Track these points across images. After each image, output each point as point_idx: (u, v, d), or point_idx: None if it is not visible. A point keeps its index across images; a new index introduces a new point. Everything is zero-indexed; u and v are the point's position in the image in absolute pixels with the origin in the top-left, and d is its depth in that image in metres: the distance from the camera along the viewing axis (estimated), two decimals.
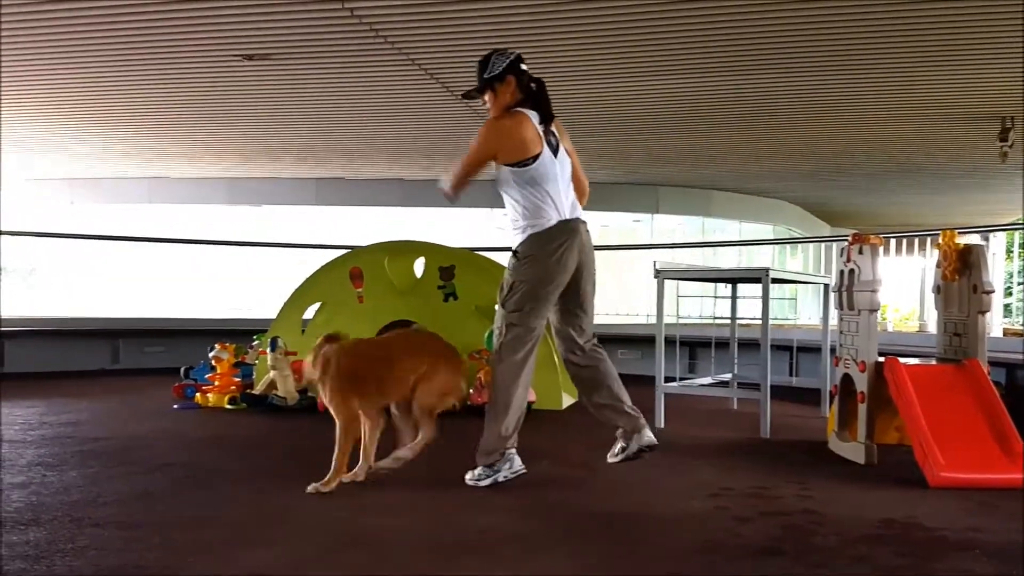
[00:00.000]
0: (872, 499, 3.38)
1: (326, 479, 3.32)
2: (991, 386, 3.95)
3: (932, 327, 8.50)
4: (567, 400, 5.77)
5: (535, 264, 3.57)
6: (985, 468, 3.61)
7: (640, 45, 6.93)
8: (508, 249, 3.78)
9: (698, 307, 7.53)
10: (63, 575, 2.31)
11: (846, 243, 4.38)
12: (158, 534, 2.72)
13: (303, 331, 5.93)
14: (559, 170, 3.63)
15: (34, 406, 5.62)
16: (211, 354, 5.86)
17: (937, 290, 4.45)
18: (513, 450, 3.54)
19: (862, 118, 9.41)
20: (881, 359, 4.11)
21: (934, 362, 4.42)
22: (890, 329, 10.33)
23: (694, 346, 7.56)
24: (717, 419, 5.53)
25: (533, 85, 3.63)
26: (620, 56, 7.25)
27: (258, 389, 5.76)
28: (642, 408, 5.54)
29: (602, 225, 16.27)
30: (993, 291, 4.18)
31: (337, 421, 3.43)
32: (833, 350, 4.65)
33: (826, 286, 5.64)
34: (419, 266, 6.14)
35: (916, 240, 8.88)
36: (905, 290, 12.26)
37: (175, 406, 5.75)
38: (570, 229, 3.60)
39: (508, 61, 3.59)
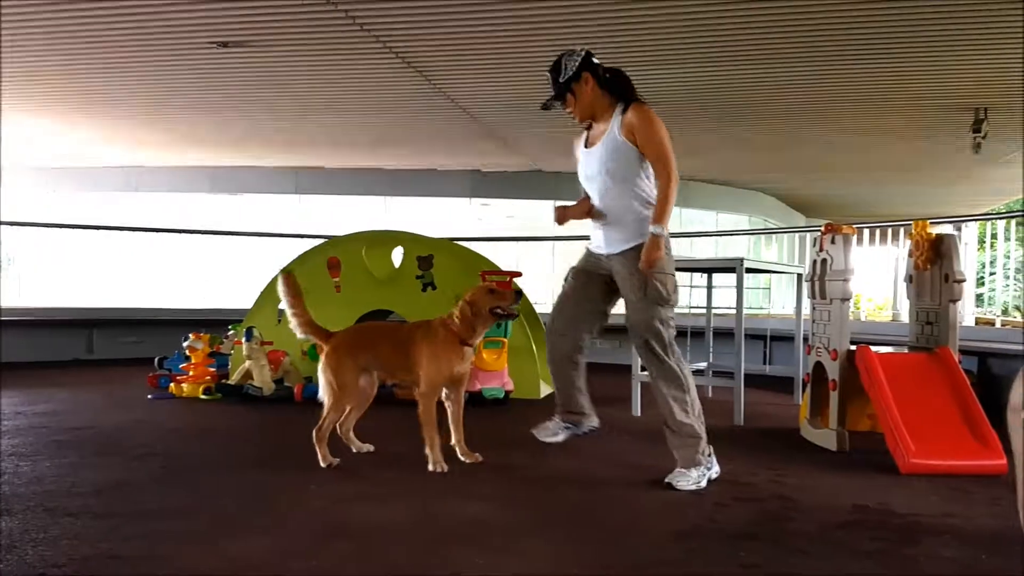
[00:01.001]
0: (845, 485, 3.42)
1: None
2: (962, 374, 4.01)
3: (905, 316, 8.60)
4: (544, 389, 5.80)
5: (669, 256, 3.44)
6: (956, 455, 3.67)
7: (614, 36, 6.93)
8: (488, 239, 3.77)
9: None
10: (35, 564, 2.29)
11: (820, 233, 4.42)
12: (134, 524, 2.70)
13: (279, 321, 5.90)
14: None
15: (8, 396, 5.56)
16: (185, 344, 5.82)
17: (909, 279, 4.50)
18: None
19: (837, 110, 9.48)
20: (853, 347, 4.16)
21: (906, 350, 4.48)
22: (863, 318, 10.43)
23: None
24: None
25: (608, 76, 3.48)
26: (595, 47, 7.24)
27: (234, 379, 5.74)
28: (618, 396, 5.59)
29: None
30: (964, 280, 4.24)
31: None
32: (806, 339, 4.70)
33: (800, 276, 5.70)
34: (397, 256, 6.13)
35: (889, 230, 8.97)
36: (878, 279, 12.38)
37: (149, 396, 5.71)
38: None
39: (580, 59, 3.45)
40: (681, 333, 3.74)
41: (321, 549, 2.51)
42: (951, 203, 17.02)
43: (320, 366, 3.70)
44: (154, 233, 11.30)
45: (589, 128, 3.58)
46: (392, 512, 2.94)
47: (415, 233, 6.34)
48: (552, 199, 12.69)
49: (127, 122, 10.95)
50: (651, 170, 3.41)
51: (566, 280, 3.67)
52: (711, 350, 5.98)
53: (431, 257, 5.92)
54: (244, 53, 7.57)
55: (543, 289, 8.65)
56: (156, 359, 6.21)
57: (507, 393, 5.58)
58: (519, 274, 5.26)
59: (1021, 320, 9.43)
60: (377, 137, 11.76)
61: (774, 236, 17.09)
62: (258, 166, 14.72)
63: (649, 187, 3.44)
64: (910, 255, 4.48)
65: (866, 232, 8.40)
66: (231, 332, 6.08)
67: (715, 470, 3.43)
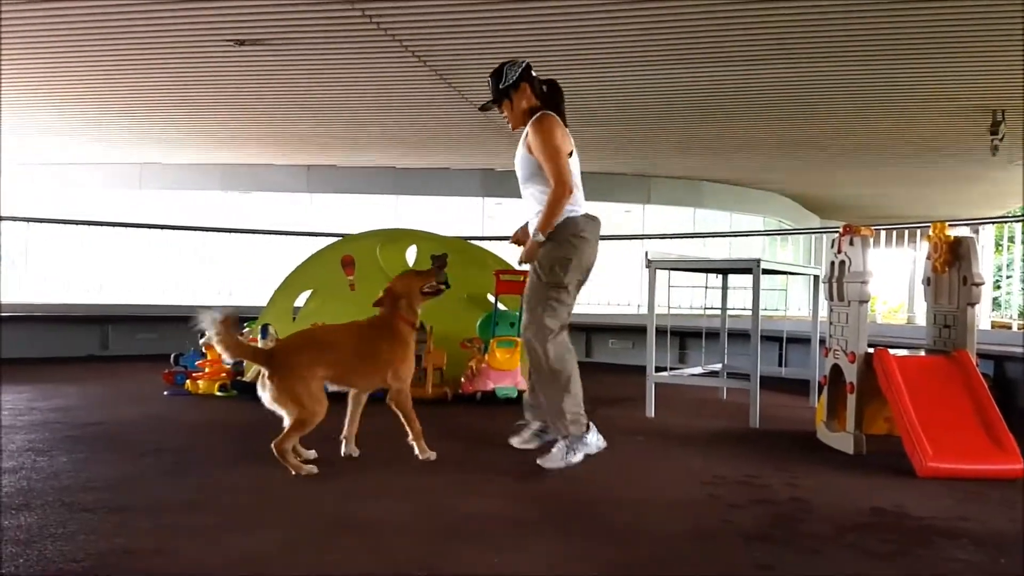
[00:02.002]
0: (861, 488, 3.40)
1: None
2: (980, 377, 3.98)
3: (920, 319, 8.55)
4: None
5: (576, 243, 3.62)
6: (973, 458, 3.64)
7: (631, 36, 6.92)
8: (501, 239, 3.81)
9: (688, 297, 7.56)
10: (54, 559, 2.31)
11: (837, 234, 4.39)
12: (149, 519, 2.72)
13: (294, 318, 5.92)
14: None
15: (23, 391, 5.60)
16: (201, 341, 5.83)
17: (927, 282, 4.47)
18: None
19: (853, 110, 9.43)
20: (870, 350, 4.14)
21: (923, 353, 4.45)
22: (879, 321, 10.38)
23: (684, 336, 7.59)
24: (706, 409, 5.56)
25: (545, 88, 3.74)
26: (611, 46, 7.24)
27: (249, 376, 5.75)
28: (631, 397, 5.58)
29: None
30: (983, 283, 4.20)
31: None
32: (823, 341, 4.66)
33: (816, 277, 5.66)
34: (411, 254, 6.13)
35: (906, 232, 8.91)
36: (894, 282, 12.32)
37: (165, 392, 5.74)
38: (597, 222, 3.70)
39: (521, 69, 3.70)
40: (696, 334, 3.75)
41: (330, 544, 2.52)
42: (969, 205, 16.90)
43: (272, 388, 3.37)
44: (168, 231, 11.35)
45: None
46: (401, 508, 2.94)
47: (429, 232, 6.35)
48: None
49: (140, 119, 11.01)
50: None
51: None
52: (726, 351, 5.95)
53: (445, 256, 5.90)
54: (260, 51, 7.60)
55: None
56: (172, 356, 6.24)
57: (520, 392, 5.57)
58: None
59: None
60: (390, 135, 11.79)
61: (789, 237, 17.03)
62: (269, 164, 14.77)
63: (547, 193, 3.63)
64: (928, 257, 4.45)
65: (882, 234, 8.35)
66: (246, 330, 6.10)
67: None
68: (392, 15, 6.60)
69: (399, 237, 6.29)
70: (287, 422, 3.39)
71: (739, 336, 6.23)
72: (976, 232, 7.58)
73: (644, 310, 5.56)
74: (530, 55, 7.27)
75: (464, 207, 15.19)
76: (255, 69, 8.25)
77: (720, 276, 5.92)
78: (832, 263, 4.41)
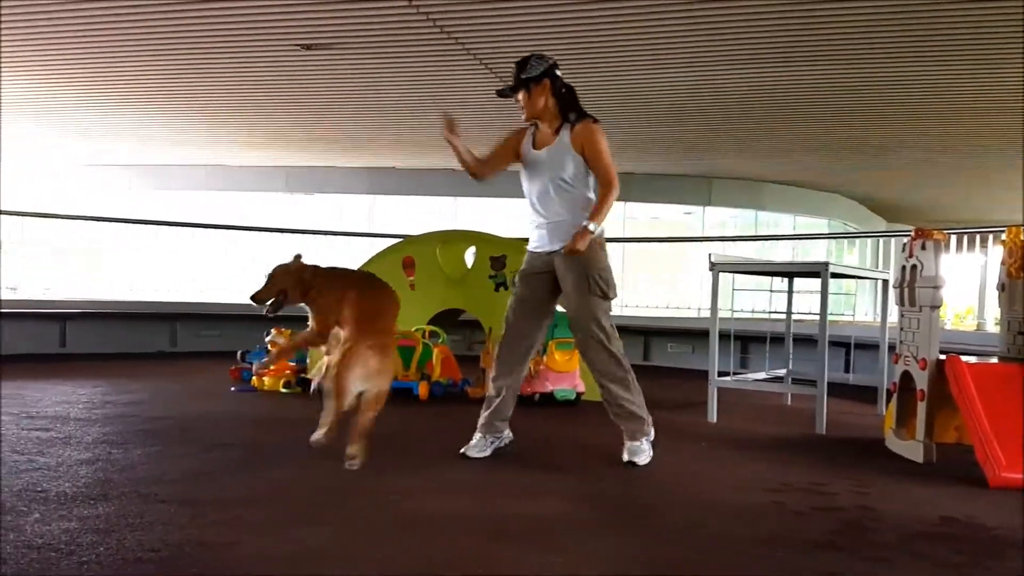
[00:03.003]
0: (930, 497, 3.32)
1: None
2: None
3: (990, 326, 8.29)
4: None
5: (604, 250, 3.79)
6: None
7: (690, 35, 6.86)
8: None
9: (751, 301, 7.46)
10: (133, 548, 2.39)
11: (908, 238, 4.30)
12: (216, 511, 2.79)
13: None
14: None
15: (97, 386, 5.80)
16: (267, 338, 5.97)
17: (1001, 288, 4.33)
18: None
19: (918, 109, 9.19)
20: (942, 357, 4.03)
21: (996, 361, 4.32)
22: (948, 327, 10.09)
23: (746, 340, 7.49)
24: (770, 415, 5.48)
25: (564, 90, 3.79)
26: (671, 46, 7.19)
27: (312, 373, 5.85)
28: (694, 402, 5.53)
29: (652, 217, 16.15)
30: None
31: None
32: (892, 347, 4.56)
33: (885, 282, 5.54)
34: (470, 255, 6.18)
35: (977, 236, 8.65)
36: (962, 287, 11.96)
37: (232, 388, 5.88)
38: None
39: (546, 65, 3.75)
40: (760, 339, 3.72)
41: (385, 541, 2.55)
42: None
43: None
44: (233, 231, 11.63)
45: (536, 129, 3.86)
46: (458, 506, 2.97)
47: (488, 233, 6.38)
48: (620, 200, 12.60)
49: (206, 120, 11.28)
50: (592, 180, 3.75)
51: (515, 285, 3.92)
52: (791, 356, 5.86)
53: (504, 257, 5.94)
54: (327, 55, 7.74)
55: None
56: (239, 353, 6.38)
57: (578, 395, 5.57)
58: None
59: None
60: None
61: (855, 241, 16.67)
62: (333, 166, 15.01)
63: (591, 195, 3.76)
64: (1002, 263, 4.32)
65: (952, 238, 8.13)
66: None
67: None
68: (456, 20, 6.65)
69: (458, 238, 6.34)
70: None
71: (803, 341, 6.12)
72: None
73: (704, 313, 5.51)
74: (600, 58, 7.31)
75: (524, 209, 15.21)
76: (322, 73, 8.41)
77: (785, 280, 5.84)
78: (903, 267, 4.31)
